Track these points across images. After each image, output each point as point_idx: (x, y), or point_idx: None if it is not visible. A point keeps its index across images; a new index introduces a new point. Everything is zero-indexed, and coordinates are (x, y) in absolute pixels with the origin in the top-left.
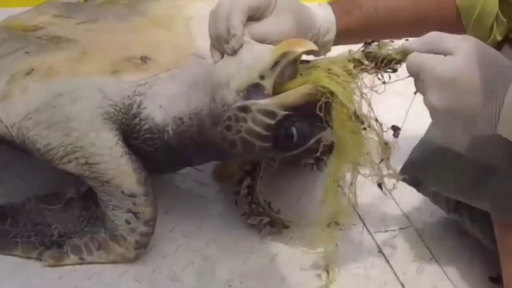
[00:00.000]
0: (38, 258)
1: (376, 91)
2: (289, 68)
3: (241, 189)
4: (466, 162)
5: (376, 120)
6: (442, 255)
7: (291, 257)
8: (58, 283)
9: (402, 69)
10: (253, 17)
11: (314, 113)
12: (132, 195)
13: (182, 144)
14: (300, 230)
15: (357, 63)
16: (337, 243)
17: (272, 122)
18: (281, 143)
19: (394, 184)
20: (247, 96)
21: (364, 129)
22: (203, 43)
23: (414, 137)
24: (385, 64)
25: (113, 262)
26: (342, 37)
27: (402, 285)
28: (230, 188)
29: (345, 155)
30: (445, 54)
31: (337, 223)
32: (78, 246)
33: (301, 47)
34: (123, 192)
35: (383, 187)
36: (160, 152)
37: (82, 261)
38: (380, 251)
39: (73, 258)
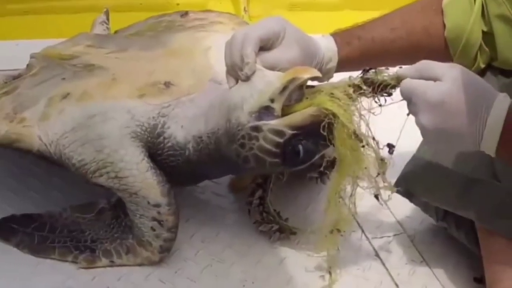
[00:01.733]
0: (73, 261)
1: (373, 113)
2: (296, 92)
3: (254, 200)
4: (453, 176)
5: (373, 138)
6: (432, 258)
7: (297, 260)
8: (91, 283)
9: (396, 93)
10: (264, 47)
11: (318, 132)
12: (157, 205)
13: (201, 160)
14: (306, 236)
15: (357, 88)
16: (339, 248)
17: (281, 140)
18: (289, 159)
19: (389, 196)
20: (259, 117)
21: (363, 146)
22: (220, 70)
23: (407, 153)
24: (381, 89)
25: (140, 265)
26: (343, 65)
27: (397, 285)
28: (244, 199)
29: (345, 170)
30: (434, 80)
31: (338, 230)
32: (109, 250)
33: (307, 73)
34: (148, 203)
35: (379, 198)
36: (181, 167)
37: (112, 264)
38: (377, 255)
39: (104, 261)
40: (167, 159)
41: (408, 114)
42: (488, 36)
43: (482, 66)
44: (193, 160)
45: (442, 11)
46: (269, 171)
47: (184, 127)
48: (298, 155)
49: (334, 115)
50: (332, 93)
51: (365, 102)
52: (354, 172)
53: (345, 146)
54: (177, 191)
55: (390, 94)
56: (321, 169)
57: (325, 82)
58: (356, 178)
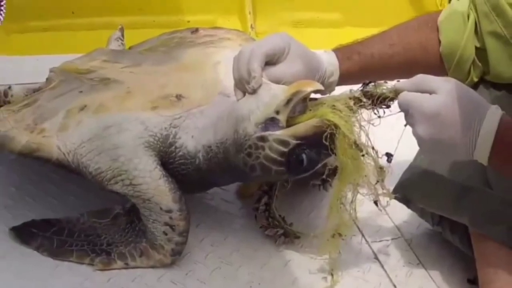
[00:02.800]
0: (90, 264)
1: (372, 124)
2: (300, 104)
3: (260, 206)
4: (448, 184)
5: (373, 148)
6: (428, 261)
7: (301, 262)
8: (107, 284)
9: (394, 105)
10: (270, 62)
11: (321, 142)
12: (169, 211)
13: (210, 168)
14: (309, 240)
15: (357, 100)
16: (340, 251)
17: (286, 149)
18: (293, 167)
19: (387, 202)
20: (265, 128)
21: (363, 155)
22: (228, 83)
23: (405, 162)
24: (380, 101)
25: (152, 267)
26: (344, 78)
27: (395, 286)
28: (251, 205)
29: (347, 178)
30: (430, 93)
31: (340, 234)
32: (123, 253)
33: (310, 87)
34: (161, 208)
35: (378, 204)
36: (192, 175)
37: (127, 266)
38: (376, 258)
39: (119, 263)
40: (179, 168)
41: (405, 125)
42: (481, 52)
43: (475, 80)
44: (203, 168)
45: (437, 28)
46: (274, 179)
47: (194, 137)
48: (302, 164)
49: (336, 126)
50: (334, 105)
51: (365, 113)
52: (355, 179)
53: (346, 155)
54: (187, 197)
55: (388, 106)
56: (324, 177)
57: (327, 95)
58: (357, 185)
